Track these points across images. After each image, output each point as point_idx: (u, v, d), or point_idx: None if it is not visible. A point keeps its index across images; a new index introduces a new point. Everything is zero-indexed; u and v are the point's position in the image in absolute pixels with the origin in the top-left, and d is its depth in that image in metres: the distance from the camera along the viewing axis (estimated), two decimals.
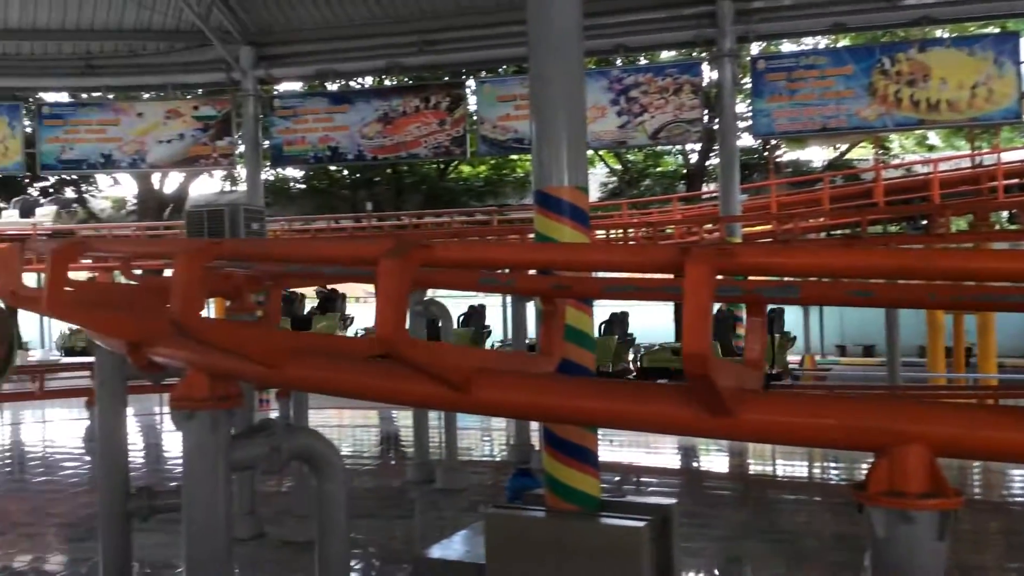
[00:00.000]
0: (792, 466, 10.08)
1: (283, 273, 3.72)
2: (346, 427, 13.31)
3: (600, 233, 16.81)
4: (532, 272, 3.33)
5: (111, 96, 18.63)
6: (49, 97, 21.81)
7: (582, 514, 4.28)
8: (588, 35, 5.11)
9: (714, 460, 10.65)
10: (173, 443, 12.07)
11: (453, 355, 2.06)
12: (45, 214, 21.29)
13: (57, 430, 13.88)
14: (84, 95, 19.58)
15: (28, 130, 18.85)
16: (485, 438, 12.48)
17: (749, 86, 16.43)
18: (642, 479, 9.27)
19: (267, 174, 22.29)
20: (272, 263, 3.20)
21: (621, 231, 17.43)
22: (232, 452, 2.69)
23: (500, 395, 1.87)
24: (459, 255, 2.00)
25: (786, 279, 2.37)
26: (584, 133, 4.69)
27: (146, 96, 19.08)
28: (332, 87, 21.36)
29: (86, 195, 29.11)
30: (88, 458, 11.07)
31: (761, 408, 1.68)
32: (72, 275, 3.30)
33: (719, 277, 1.61)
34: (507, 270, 3.20)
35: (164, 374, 3.58)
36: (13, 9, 16.93)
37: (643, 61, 19.64)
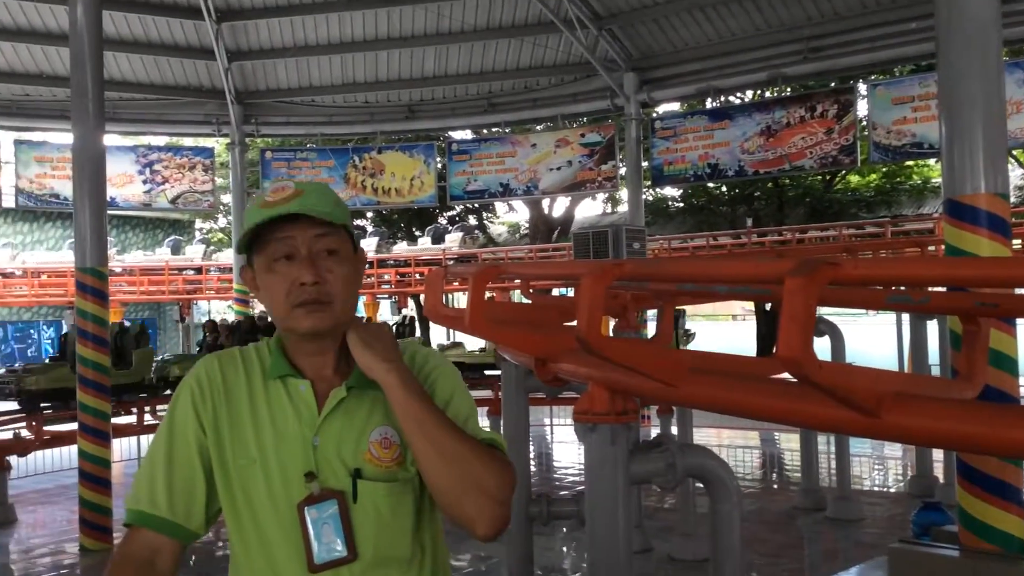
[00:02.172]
0: None
1: (674, 292, 3.77)
2: (725, 446, 13.13)
3: (1016, 243, 14.89)
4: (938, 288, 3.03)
5: (508, 130, 20.30)
6: (456, 135, 24.37)
7: (1003, 556, 3.86)
8: (1004, 23, 4.57)
9: None
10: (560, 453, 12.77)
11: (863, 377, 1.94)
12: (452, 240, 23.76)
13: None
14: (485, 131, 21.59)
15: (439, 166, 21.23)
16: (877, 466, 11.61)
17: None
18: None
19: (646, 194, 22.82)
20: (669, 282, 3.26)
21: None
22: (631, 465, 2.76)
23: (919, 422, 1.72)
24: (871, 272, 1.88)
25: None
26: (1004, 133, 4.20)
27: (538, 128, 20.48)
28: (710, 103, 21.35)
29: (486, 221, 32.07)
30: None
31: None
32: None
33: None
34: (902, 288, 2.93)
35: (561, 388, 3.79)
36: (429, 60, 19.18)
37: None
